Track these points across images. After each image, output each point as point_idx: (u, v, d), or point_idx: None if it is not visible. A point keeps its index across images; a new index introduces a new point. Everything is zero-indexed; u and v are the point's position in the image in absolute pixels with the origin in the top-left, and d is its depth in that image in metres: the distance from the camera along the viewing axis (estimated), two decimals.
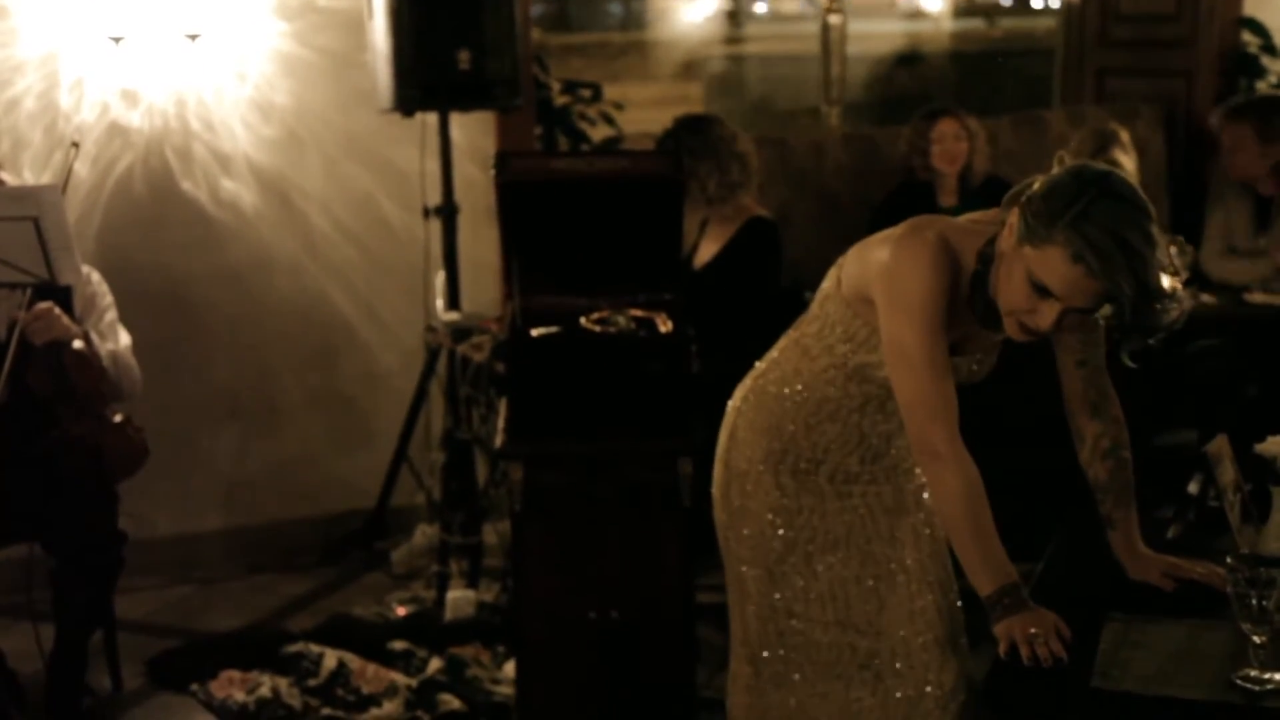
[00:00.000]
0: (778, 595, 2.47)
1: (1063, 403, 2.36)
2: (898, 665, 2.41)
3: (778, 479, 2.47)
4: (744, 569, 2.51)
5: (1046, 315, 2.07)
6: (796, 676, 2.48)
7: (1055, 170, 2.12)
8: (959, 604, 2.47)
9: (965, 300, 2.22)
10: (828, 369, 2.40)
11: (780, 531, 2.47)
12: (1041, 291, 2.06)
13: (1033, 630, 2.02)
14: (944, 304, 2.17)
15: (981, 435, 2.31)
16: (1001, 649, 2.04)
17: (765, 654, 2.50)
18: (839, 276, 2.37)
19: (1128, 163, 4.61)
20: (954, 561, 2.44)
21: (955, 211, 4.50)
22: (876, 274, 2.23)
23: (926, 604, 2.42)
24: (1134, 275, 1.99)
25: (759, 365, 2.56)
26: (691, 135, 4.23)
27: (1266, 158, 4.52)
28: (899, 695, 2.40)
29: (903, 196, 4.73)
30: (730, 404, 2.58)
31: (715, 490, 2.58)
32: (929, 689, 2.38)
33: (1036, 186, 2.09)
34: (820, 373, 2.41)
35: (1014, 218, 2.09)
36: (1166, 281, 2.03)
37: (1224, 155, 4.67)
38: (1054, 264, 2.02)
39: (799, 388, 2.44)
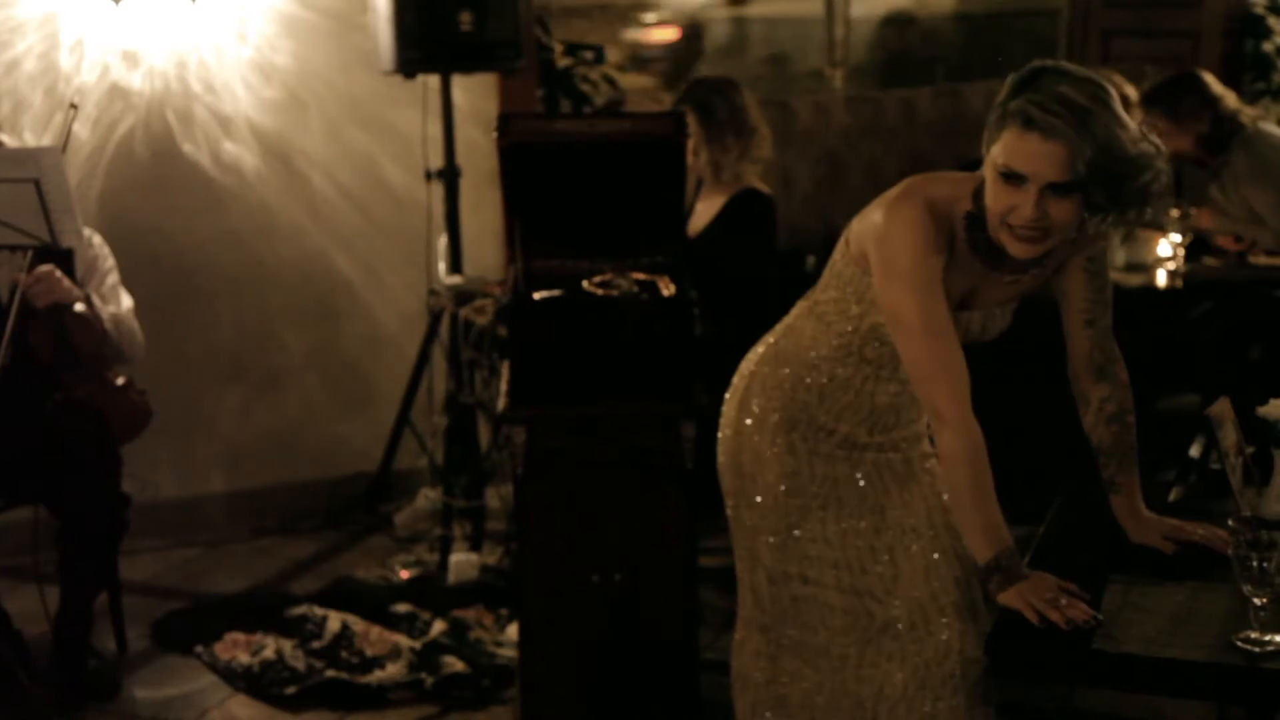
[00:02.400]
0: (791, 561, 2.47)
1: (1067, 366, 2.36)
2: (915, 630, 2.40)
3: (790, 446, 2.46)
4: (756, 536, 2.50)
5: (1025, 204, 2.08)
6: (810, 642, 2.47)
7: None
8: (973, 571, 2.46)
9: (968, 248, 2.22)
10: (843, 334, 2.39)
11: (792, 499, 2.46)
12: (1012, 179, 2.08)
13: (1048, 596, 2.04)
14: (937, 264, 2.19)
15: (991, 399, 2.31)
16: (1032, 618, 2.04)
17: (778, 621, 2.49)
18: (847, 239, 2.38)
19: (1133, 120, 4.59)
20: None
21: None
22: (871, 237, 2.25)
23: (941, 570, 2.41)
24: (1086, 129, 2.03)
25: (771, 335, 2.55)
26: (708, 96, 4.18)
27: (1184, 136, 4.50)
28: (916, 660, 2.39)
29: None
30: (741, 371, 2.57)
31: (723, 458, 2.57)
32: (946, 654, 2.38)
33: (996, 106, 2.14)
34: (836, 338, 2.41)
35: (984, 143, 2.14)
36: (1136, 148, 2.07)
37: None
38: (1011, 142, 2.07)
39: (814, 356, 2.44)
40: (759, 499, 2.49)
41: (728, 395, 2.58)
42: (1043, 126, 2.04)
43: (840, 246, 2.40)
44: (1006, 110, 2.08)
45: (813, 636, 2.47)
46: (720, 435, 2.58)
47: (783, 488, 2.46)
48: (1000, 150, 2.09)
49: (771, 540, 2.48)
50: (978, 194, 2.19)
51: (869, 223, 2.28)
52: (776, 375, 2.48)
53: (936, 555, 2.42)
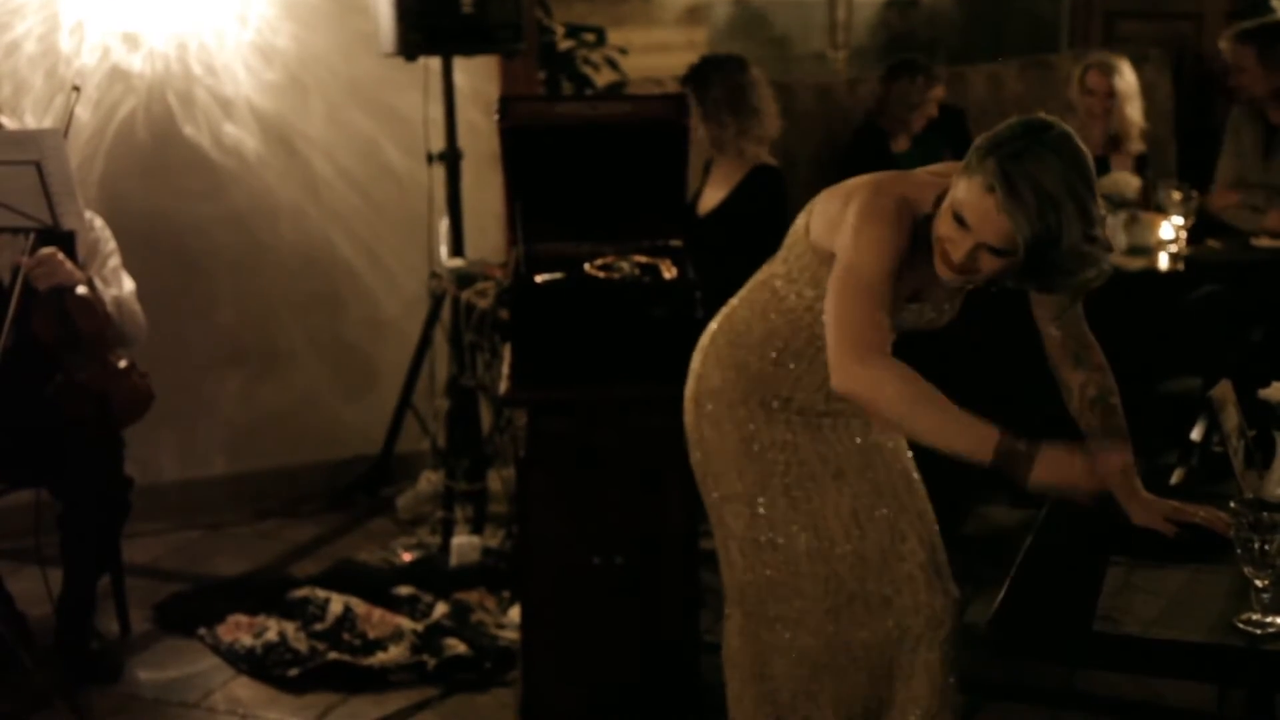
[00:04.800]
0: (760, 529, 2.50)
1: (1045, 358, 2.38)
2: (885, 594, 2.45)
3: (749, 414, 2.49)
4: (724, 506, 2.53)
5: (960, 246, 2.11)
6: (785, 615, 2.50)
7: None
8: (938, 533, 2.50)
9: (924, 248, 2.25)
10: (794, 310, 2.43)
11: (754, 465, 2.49)
12: (960, 222, 2.10)
13: (1084, 470, 2.05)
14: (898, 263, 2.20)
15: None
16: (1082, 498, 2.06)
17: (754, 595, 2.53)
18: (807, 223, 2.39)
19: (1125, 86, 4.69)
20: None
21: (908, 155, 4.51)
22: (841, 232, 2.25)
23: (906, 531, 2.46)
24: (1040, 219, 2.02)
25: (730, 303, 2.58)
26: (718, 74, 4.18)
27: (1268, 81, 4.62)
28: (889, 624, 2.45)
29: (862, 144, 4.79)
30: (700, 344, 2.60)
31: (688, 432, 2.59)
32: (917, 616, 2.43)
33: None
34: (787, 312, 2.44)
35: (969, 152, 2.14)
36: (1086, 247, 2.05)
37: (1231, 76, 4.72)
38: (973, 194, 2.07)
39: (766, 327, 2.47)
40: (722, 469, 2.51)
41: (690, 368, 2.60)
42: (1000, 200, 2.03)
43: (799, 227, 2.41)
44: (985, 160, 2.06)
45: (787, 608, 2.50)
46: (684, 409, 2.60)
47: (744, 456, 2.49)
48: (962, 191, 2.10)
49: (738, 510, 2.51)
50: (939, 200, 2.21)
51: (836, 219, 2.27)
52: (732, 346, 2.52)
53: (901, 516, 2.46)
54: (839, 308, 2.18)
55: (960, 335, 2.50)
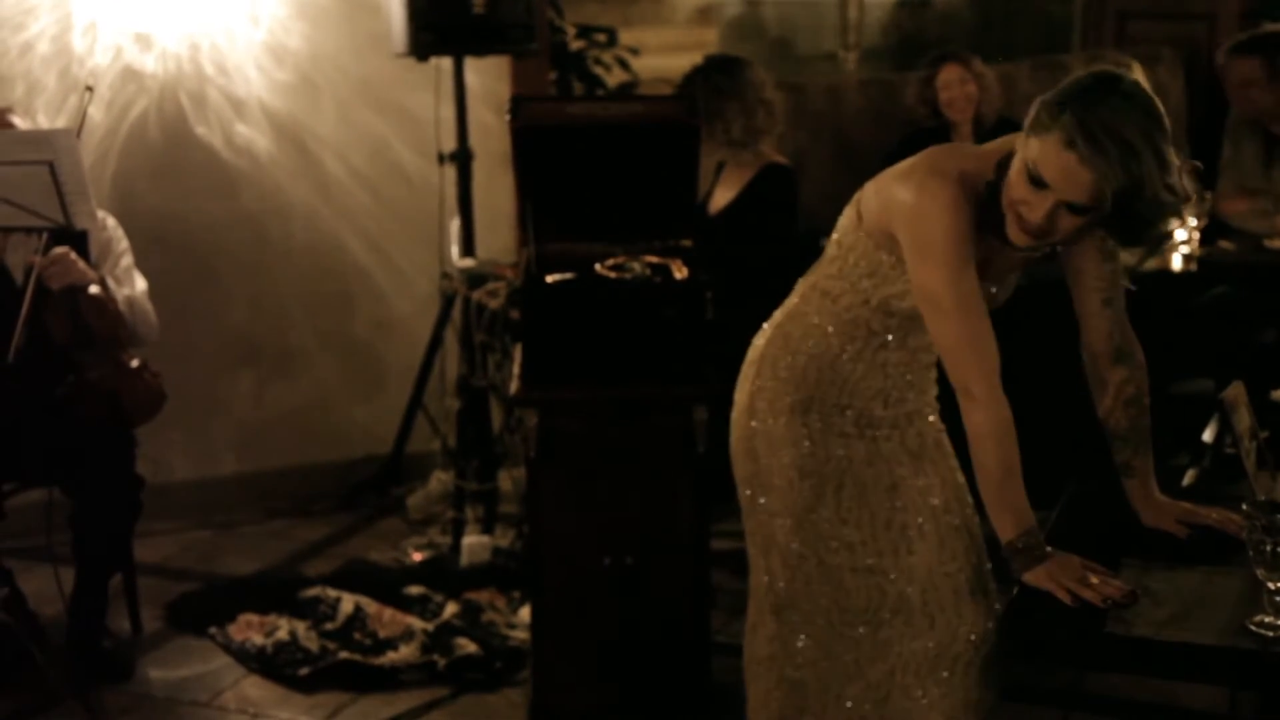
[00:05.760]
0: (807, 543, 2.45)
1: (1082, 350, 2.35)
2: (927, 609, 2.40)
3: (805, 427, 2.45)
4: (773, 520, 2.49)
5: (1038, 207, 2.07)
6: (822, 623, 2.46)
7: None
8: (984, 549, 2.47)
9: (987, 218, 2.20)
10: (851, 307, 2.38)
11: (807, 480, 2.45)
12: (1036, 182, 2.06)
13: (1078, 575, 2.05)
14: (970, 240, 2.16)
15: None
16: (1064, 598, 2.05)
17: (792, 604, 2.49)
18: (858, 212, 2.34)
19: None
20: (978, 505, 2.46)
21: None
22: (899, 214, 2.21)
23: (954, 547, 2.41)
24: (1124, 169, 1.98)
25: (778, 314, 2.54)
26: (721, 75, 4.17)
27: (1276, 90, 4.51)
28: (928, 639, 2.40)
29: (913, 147, 4.70)
30: (749, 357, 2.55)
31: (736, 444, 2.55)
32: (959, 632, 2.39)
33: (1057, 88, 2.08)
34: (844, 312, 2.39)
35: (1031, 110, 2.09)
36: (1167, 196, 2.03)
37: (1231, 92, 4.64)
38: (1049, 151, 2.02)
39: (823, 332, 2.42)
40: (775, 481, 2.48)
41: (739, 381, 2.57)
42: (1083, 154, 1.99)
43: (849, 218, 2.37)
44: (1059, 116, 2.02)
45: (826, 618, 2.46)
46: (734, 421, 2.57)
47: (797, 469, 2.45)
48: (1036, 152, 2.05)
49: (788, 523, 2.47)
50: (1001, 165, 2.16)
51: (892, 200, 2.23)
52: (786, 357, 2.47)
53: (950, 532, 2.42)
54: (932, 328, 2.20)
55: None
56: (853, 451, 2.45)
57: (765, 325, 2.56)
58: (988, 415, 2.15)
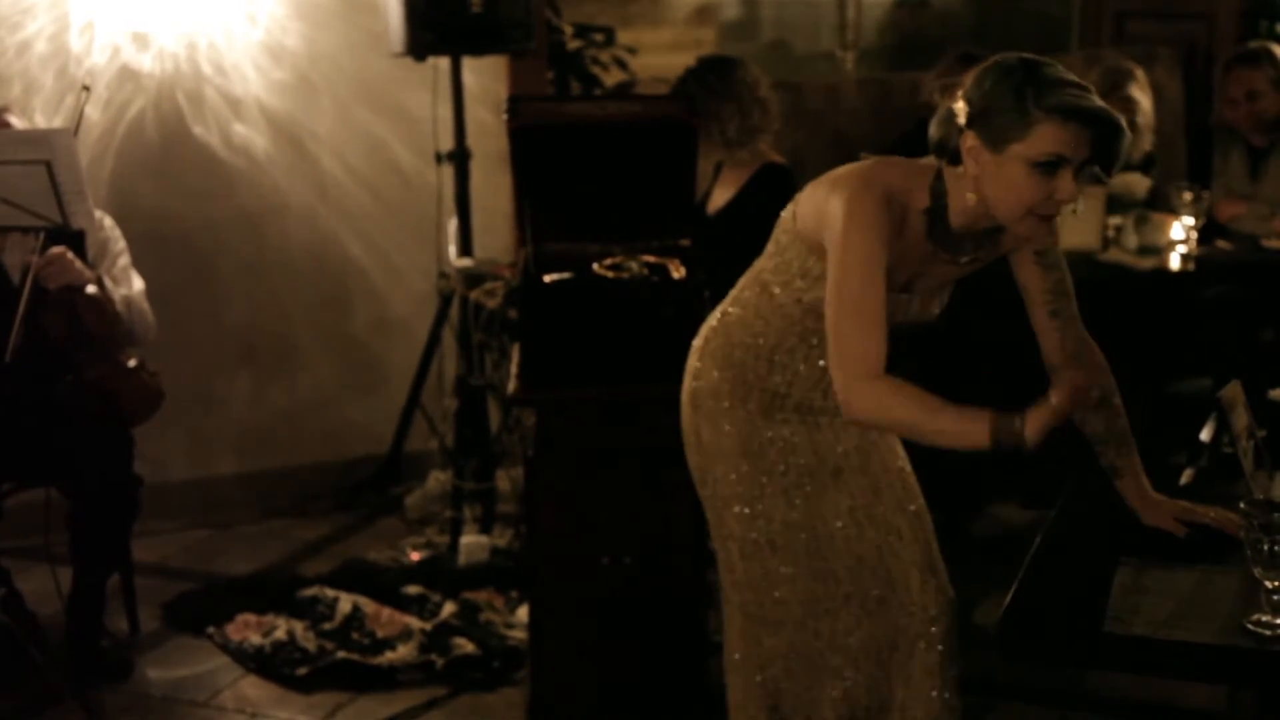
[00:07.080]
0: (759, 529, 2.49)
1: (1044, 362, 2.37)
2: (881, 594, 2.45)
3: (746, 414, 2.48)
4: (725, 508, 2.52)
5: (1065, 184, 2.13)
6: (784, 618, 2.49)
7: (944, 103, 2.20)
8: (934, 532, 2.51)
9: (920, 237, 2.26)
10: (785, 304, 2.42)
11: (752, 465, 2.48)
12: (1050, 167, 2.11)
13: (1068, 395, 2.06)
14: (885, 254, 2.21)
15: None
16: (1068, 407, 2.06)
17: (753, 598, 2.52)
18: (794, 212, 2.39)
19: (1144, 100, 4.58)
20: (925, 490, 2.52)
21: None
22: (830, 224, 2.25)
23: (903, 531, 2.46)
24: (1103, 93, 2.10)
25: (724, 303, 2.57)
26: (716, 75, 4.17)
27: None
28: (885, 624, 2.45)
29: (919, 139, 4.69)
30: (694, 345, 2.59)
31: (685, 430, 2.58)
32: (913, 613, 2.44)
33: (964, 108, 2.15)
34: (779, 308, 2.43)
35: (970, 141, 2.15)
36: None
37: (1230, 103, 4.65)
38: (1054, 135, 2.10)
39: (760, 324, 2.46)
40: (721, 470, 2.51)
41: (686, 368, 2.59)
42: (1085, 117, 2.09)
43: (786, 219, 2.41)
44: (1032, 109, 2.09)
45: (785, 611, 2.49)
46: (682, 411, 2.59)
47: (742, 456, 2.48)
48: (1037, 146, 2.10)
49: (737, 510, 2.50)
50: (935, 189, 2.22)
51: (824, 208, 2.28)
52: (727, 345, 2.50)
53: (898, 515, 2.46)
54: (835, 335, 2.21)
55: (960, 336, 2.50)
56: (796, 437, 2.49)
57: (713, 313, 2.58)
58: (886, 391, 2.15)
